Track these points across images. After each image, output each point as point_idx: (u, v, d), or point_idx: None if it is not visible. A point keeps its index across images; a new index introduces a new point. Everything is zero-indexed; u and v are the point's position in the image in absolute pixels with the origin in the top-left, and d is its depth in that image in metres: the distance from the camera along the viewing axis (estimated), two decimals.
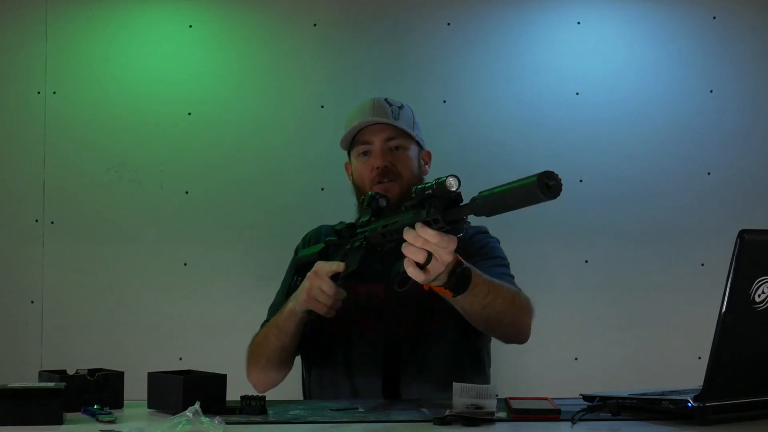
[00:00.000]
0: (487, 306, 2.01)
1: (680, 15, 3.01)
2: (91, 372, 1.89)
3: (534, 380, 2.89)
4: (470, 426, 1.71)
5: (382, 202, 2.03)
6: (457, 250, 2.07)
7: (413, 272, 1.81)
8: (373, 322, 2.23)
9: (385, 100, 2.33)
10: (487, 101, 2.96)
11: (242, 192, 2.91)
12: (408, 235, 1.78)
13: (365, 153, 2.28)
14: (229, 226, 2.89)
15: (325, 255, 2.13)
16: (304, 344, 2.24)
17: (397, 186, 2.24)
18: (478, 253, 2.29)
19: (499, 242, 2.38)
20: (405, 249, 1.79)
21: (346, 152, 2.36)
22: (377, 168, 2.24)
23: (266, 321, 2.31)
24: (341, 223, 2.29)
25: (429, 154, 2.38)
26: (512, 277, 2.30)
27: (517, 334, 2.15)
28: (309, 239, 2.40)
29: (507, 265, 2.32)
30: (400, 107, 2.32)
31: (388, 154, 2.26)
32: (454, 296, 1.89)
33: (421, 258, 1.78)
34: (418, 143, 2.32)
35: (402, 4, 2.96)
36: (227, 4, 2.92)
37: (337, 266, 2.03)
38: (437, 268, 1.81)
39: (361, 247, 2.02)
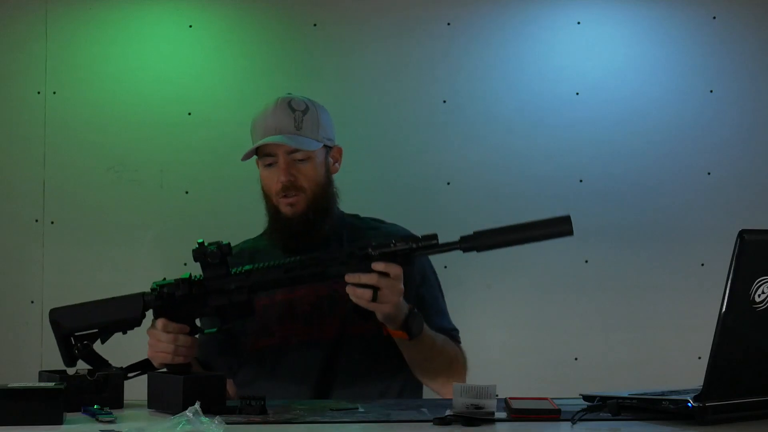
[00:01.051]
0: (428, 358, 2.14)
1: (680, 15, 3.01)
2: (91, 372, 1.89)
3: (534, 380, 2.89)
4: (470, 426, 1.71)
5: (214, 259, 1.98)
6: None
7: (366, 305, 1.94)
8: (300, 327, 2.24)
9: (288, 103, 2.29)
10: (487, 101, 2.96)
11: (242, 192, 2.90)
12: (350, 278, 1.93)
13: (270, 164, 2.28)
14: (229, 226, 2.89)
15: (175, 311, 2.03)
16: (229, 356, 2.27)
17: (303, 198, 2.25)
18: (420, 302, 2.27)
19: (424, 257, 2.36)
20: (349, 291, 1.94)
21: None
22: (281, 182, 2.25)
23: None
24: (242, 243, 2.38)
25: (340, 150, 2.36)
26: (456, 331, 2.32)
27: (443, 392, 2.21)
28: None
29: (443, 308, 2.34)
30: (305, 110, 2.29)
31: (292, 166, 2.25)
32: (410, 338, 2.02)
33: (367, 296, 1.92)
34: (325, 145, 2.30)
35: (402, 4, 2.95)
36: (227, 4, 2.92)
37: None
38: (388, 296, 1.93)
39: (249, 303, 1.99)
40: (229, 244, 1.99)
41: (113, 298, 2.05)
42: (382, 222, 2.41)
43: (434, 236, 1.92)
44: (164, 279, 2.02)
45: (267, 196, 2.32)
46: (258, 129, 2.32)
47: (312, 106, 2.32)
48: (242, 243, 2.42)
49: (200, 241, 1.98)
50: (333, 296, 2.24)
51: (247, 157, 2.32)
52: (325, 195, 2.29)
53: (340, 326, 2.23)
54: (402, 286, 1.95)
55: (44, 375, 1.92)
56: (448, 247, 1.92)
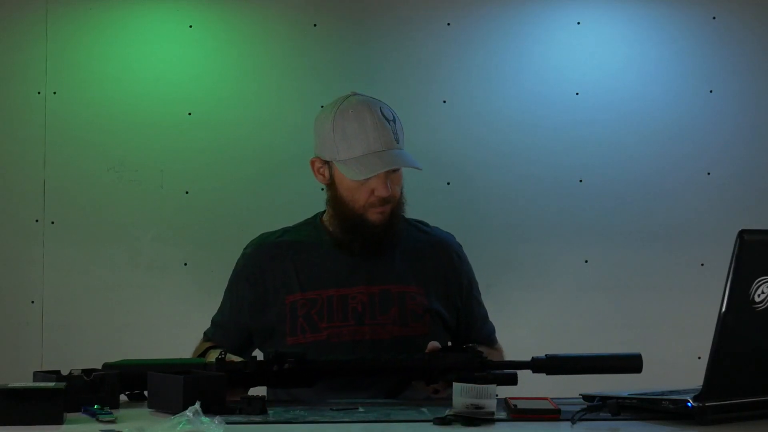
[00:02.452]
0: None
1: (680, 15, 3.01)
2: (87, 372, 1.88)
3: (534, 380, 2.88)
4: (470, 426, 1.71)
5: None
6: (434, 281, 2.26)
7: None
8: (352, 326, 2.21)
9: (382, 113, 2.21)
10: (487, 101, 2.96)
11: (242, 192, 2.91)
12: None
13: None
14: (229, 226, 2.89)
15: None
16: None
17: (390, 207, 2.23)
18: (473, 301, 2.36)
19: (468, 260, 2.41)
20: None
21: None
22: (381, 196, 2.20)
23: (209, 333, 2.33)
24: (282, 231, 2.33)
25: None
26: (494, 330, 2.42)
27: None
28: (250, 257, 2.33)
29: (485, 309, 2.40)
30: (394, 119, 2.23)
31: (390, 178, 2.21)
32: None
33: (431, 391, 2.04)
34: None
35: (402, 4, 2.96)
36: (227, 4, 2.92)
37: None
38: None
39: None
40: (305, 354, 1.98)
41: (171, 363, 1.99)
42: (427, 225, 2.40)
43: (510, 363, 2.02)
44: (223, 354, 2.00)
45: (348, 204, 2.24)
46: (355, 141, 2.19)
47: (395, 114, 2.26)
48: (281, 231, 2.35)
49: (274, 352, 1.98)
50: (386, 294, 2.24)
51: (370, 174, 2.19)
52: (403, 199, 2.29)
53: (391, 327, 2.21)
54: None
55: (39, 375, 1.91)
56: (519, 367, 2.00)
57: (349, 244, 2.25)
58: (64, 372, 1.89)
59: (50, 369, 1.95)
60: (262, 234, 2.38)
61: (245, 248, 2.36)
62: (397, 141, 2.21)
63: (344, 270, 2.25)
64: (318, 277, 2.25)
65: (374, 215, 2.22)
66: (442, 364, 1.97)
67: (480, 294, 2.40)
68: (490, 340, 2.39)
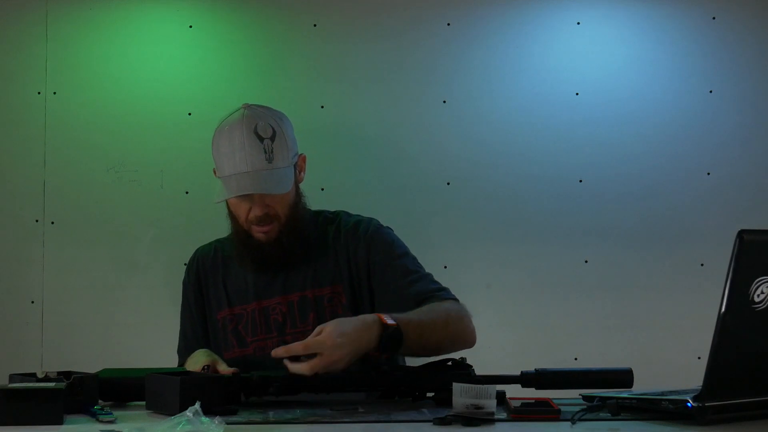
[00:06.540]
0: (422, 346, 2.04)
1: (680, 15, 3.01)
2: (67, 374, 1.86)
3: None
4: (470, 426, 1.71)
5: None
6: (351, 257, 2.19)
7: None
8: (275, 337, 2.22)
9: (255, 131, 2.18)
10: (487, 101, 2.96)
11: None
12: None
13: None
14: (229, 226, 2.89)
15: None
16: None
17: (276, 226, 2.21)
18: (388, 271, 2.23)
19: (394, 232, 2.31)
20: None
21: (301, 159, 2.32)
22: (255, 216, 2.19)
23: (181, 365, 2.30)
24: (214, 244, 2.34)
25: (304, 158, 2.30)
26: (435, 283, 2.25)
27: (462, 346, 2.13)
28: (194, 275, 2.37)
29: (421, 272, 2.25)
30: (273, 136, 2.18)
31: (266, 197, 2.18)
32: (386, 356, 1.98)
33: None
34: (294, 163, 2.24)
35: (402, 4, 2.96)
36: (227, 4, 2.92)
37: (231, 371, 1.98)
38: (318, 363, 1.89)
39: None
40: (287, 377, 1.95)
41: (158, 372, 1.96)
42: (346, 214, 2.34)
43: (499, 378, 1.98)
44: (207, 368, 2.00)
45: (235, 220, 2.27)
46: (225, 160, 2.22)
47: (278, 126, 2.22)
48: (216, 242, 2.41)
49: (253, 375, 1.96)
50: (303, 301, 2.23)
51: (221, 198, 2.25)
52: (296, 215, 2.24)
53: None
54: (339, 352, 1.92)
55: (16, 378, 1.90)
56: (508, 382, 1.97)
57: (241, 259, 2.27)
58: (39, 375, 1.87)
59: (49, 369, 1.95)
60: (197, 251, 2.43)
61: (188, 269, 2.41)
62: (270, 160, 2.16)
63: (262, 282, 2.27)
64: (242, 291, 2.28)
65: (257, 233, 2.22)
66: (428, 382, 1.96)
67: (408, 260, 2.27)
68: (422, 297, 2.20)
